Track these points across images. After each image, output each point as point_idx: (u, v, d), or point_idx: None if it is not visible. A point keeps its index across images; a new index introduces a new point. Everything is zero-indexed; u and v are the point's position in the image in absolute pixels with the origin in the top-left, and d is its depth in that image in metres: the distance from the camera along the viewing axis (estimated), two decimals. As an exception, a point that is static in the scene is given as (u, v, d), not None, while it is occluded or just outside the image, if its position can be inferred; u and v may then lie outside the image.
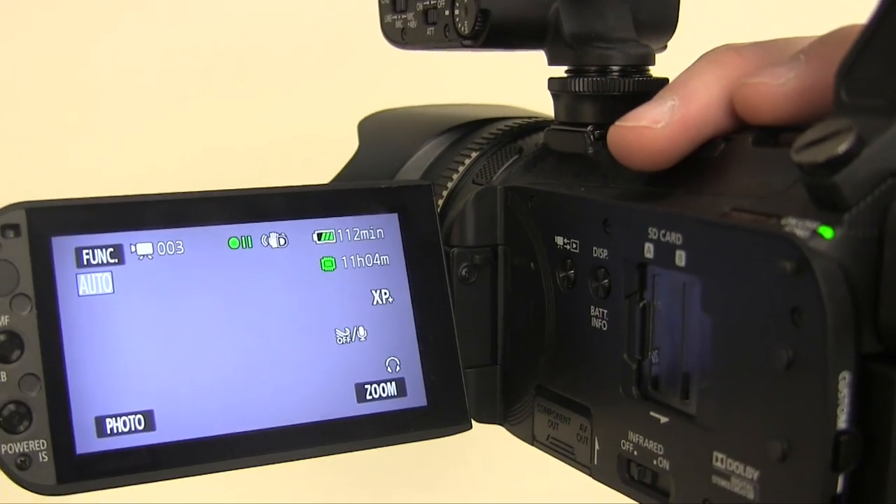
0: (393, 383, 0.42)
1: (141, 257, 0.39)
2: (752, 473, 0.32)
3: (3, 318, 0.37)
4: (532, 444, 0.43)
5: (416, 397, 0.42)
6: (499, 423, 0.45)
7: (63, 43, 0.71)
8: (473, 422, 0.43)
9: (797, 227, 0.31)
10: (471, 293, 0.44)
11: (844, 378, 0.30)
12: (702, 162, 0.37)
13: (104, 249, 0.39)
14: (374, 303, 0.42)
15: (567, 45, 0.42)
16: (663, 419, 0.36)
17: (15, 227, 0.38)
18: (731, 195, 0.35)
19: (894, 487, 0.30)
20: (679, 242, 0.35)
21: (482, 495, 0.87)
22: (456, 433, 0.42)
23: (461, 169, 0.46)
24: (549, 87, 0.43)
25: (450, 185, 0.46)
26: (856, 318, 0.30)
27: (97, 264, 0.39)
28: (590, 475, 0.40)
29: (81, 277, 0.38)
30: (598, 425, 0.39)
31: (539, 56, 0.44)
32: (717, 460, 0.34)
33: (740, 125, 0.37)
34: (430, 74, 0.69)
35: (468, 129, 0.48)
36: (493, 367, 0.44)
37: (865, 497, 0.30)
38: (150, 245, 0.39)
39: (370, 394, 0.41)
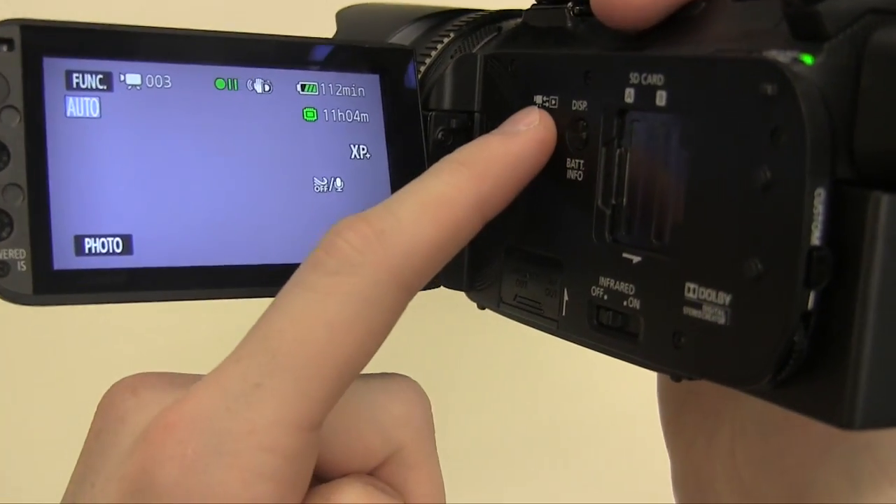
0: None
1: (129, 87, 0.40)
2: (725, 298, 0.34)
3: None
4: (497, 310, 0.44)
5: None
6: (464, 290, 0.46)
7: None
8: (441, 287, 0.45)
9: (779, 55, 0.33)
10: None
11: (820, 195, 0.31)
12: (683, 20, 0.38)
13: (94, 75, 0.39)
14: (352, 156, 0.43)
15: None
16: (636, 258, 0.37)
17: (8, 42, 0.38)
18: (713, 41, 0.36)
19: (862, 307, 0.31)
20: (661, 83, 0.36)
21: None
22: (426, 289, 0.43)
23: (439, 47, 0.47)
24: None
25: (428, 60, 0.47)
26: (832, 140, 0.31)
27: (86, 88, 0.39)
28: (555, 331, 0.41)
29: (70, 99, 0.39)
30: (568, 276, 0.40)
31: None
32: (688, 291, 0.35)
33: None
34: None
35: (444, 16, 0.49)
36: None
37: (834, 316, 0.32)
38: (138, 76, 0.40)
39: None
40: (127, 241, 0.39)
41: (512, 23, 0.47)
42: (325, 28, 0.51)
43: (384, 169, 0.43)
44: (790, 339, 0.32)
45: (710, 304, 0.34)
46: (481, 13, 0.48)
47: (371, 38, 0.49)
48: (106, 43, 0.40)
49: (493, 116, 0.44)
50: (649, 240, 0.37)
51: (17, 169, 0.37)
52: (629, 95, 0.37)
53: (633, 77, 0.37)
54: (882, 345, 0.31)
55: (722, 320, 0.34)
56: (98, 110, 0.39)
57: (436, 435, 0.38)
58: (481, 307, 0.46)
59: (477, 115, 0.45)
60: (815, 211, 0.31)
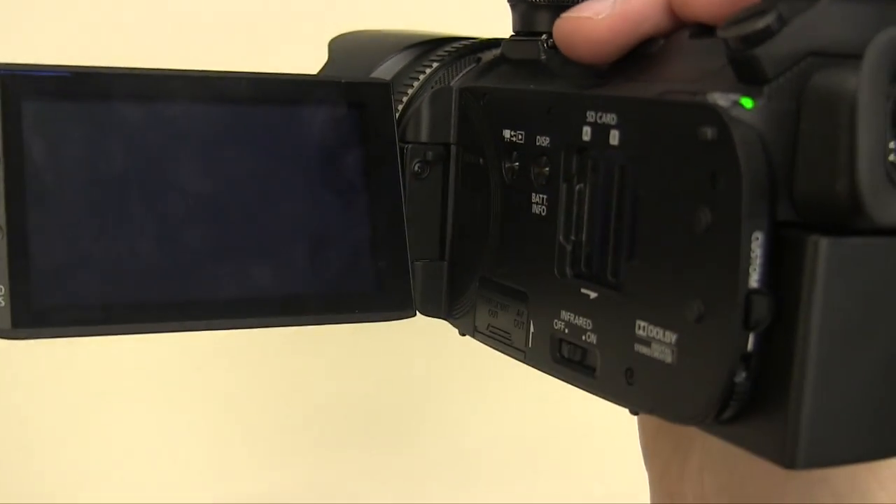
0: None
1: (108, 128, 0.41)
2: (671, 337, 0.34)
3: None
4: (473, 336, 0.45)
5: (364, 282, 0.44)
6: (443, 318, 0.47)
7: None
8: (419, 314, 0.45)
9: (720, 99, 0.33)
10: (422, 188, 0.46)
11: (757, 238, 0.32)
12: (642, 57, 0.39)
13: (73, 117, 0.41)
14: (331, 190, 0.44)
15: None
16: (593, 294, 0.38)
17: None
18: (665, 80, 0.37)
19: (802, 349, 0.31)
20: (614, 122, 0.37)
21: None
22: (400, 318, 0.44)
23: (421, 78, 0.48)
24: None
25: (410, 91, 0.48)
26: (771, 184, 0.32)
27: (65, 130, 0.40)
28: (523, 360, 0.42)
29: (49, 141, 0.40)
30: (533, 309, 0.41)
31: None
32: (639, 328, 0.36)
33: (680, 26, 0.39)
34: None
35: (431, 45, 0.50)
36: (440, 261, 0.46)
37: (776, 356, 0.32)
38: (118, 116, 0.41)
39: None
40: (106, 274, 0.40)
41: (491, 53, 0.48)
42: (317, 56, 0.53)
43: (363, 201, 0.44)
44: (731, 379, 0.32)
45: (658, 342, 0.35)
46: (465, 43, 0.49)
47: (360, 67, 0.50)
48: (84, 85, 0.41)
49: (468, 148, 0.45)
50: (605, 276, 0.38)
51: None
52: (586, 133, 0.38)
53: (590, 115, 0.38)
54: (822, 386, 0.32)
55: (669, 359, 0.34)
56: (77, 151, 0.40)
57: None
58: (462, 334, 0.46)
59: (453, 147, 0.45)
60: (752, 254, 0.32)
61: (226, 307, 0.42)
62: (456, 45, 0.49)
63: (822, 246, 0.31)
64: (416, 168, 0.45)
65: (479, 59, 0.48)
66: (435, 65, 0.48)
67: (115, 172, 0.41)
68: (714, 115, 0.32)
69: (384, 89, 0.45)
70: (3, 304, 0.39)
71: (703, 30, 0.37)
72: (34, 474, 0.79)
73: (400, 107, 0.47)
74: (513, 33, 0.45)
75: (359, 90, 0.45)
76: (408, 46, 0.50)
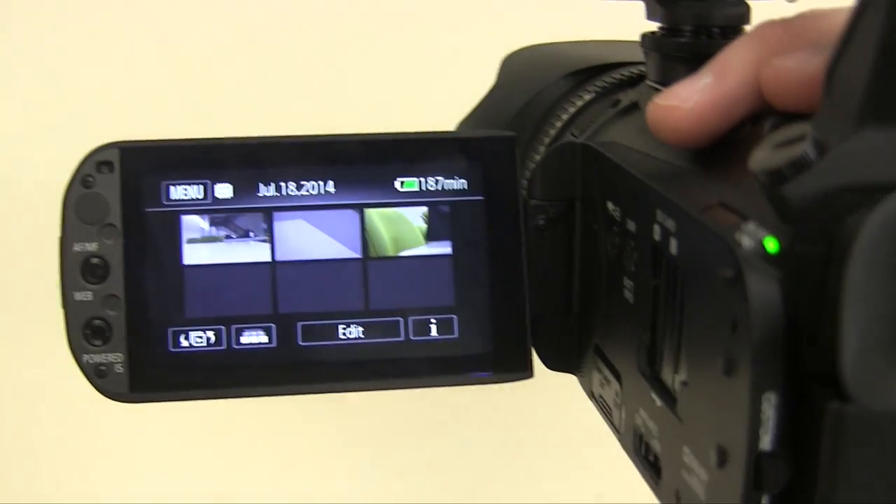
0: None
1: (222, 196, 0.43)
2: (703, 475, 0.32)
3: (92, 244, 0.42)
4: (591, 399, 0.44)
5: (481, 342, 0.43)
6: (572, 372, 0.46)
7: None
8: (548, 369, 0.45)
9: (749, 233, 0.30)
10: (545, 244, 0.44)
11: (769, 400, 0.29)
12: (729, 143, 0.36)
13: (190, 187, 0.42)
14: (453, 246, 0.44)
15: (657, 1, 0.41)
16: (658, 402, 0.36)
17: (109, 164, 0.42)
18: (730, 182, 0.34)
19: None
20: (673, 230, 0.34)
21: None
22: (516, 380, 0.44)
23: (565, 117, 0.46)
24: (641, 45, 0.42)
25: (552, 132, 0.46)
26: (791, 339, 0.29)
27: (184, 201, 0.42)
28: (619, 441, 0.41)
29: (167, 212, 0.42)
30: (625, 394, 0.40)
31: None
32: (685, 454, 0.34)
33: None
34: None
35: (588, 74, 0.48)
36: (567, 316, 0.45)
37: None
38: (230, 187, 0.43)
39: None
40: (219, 335, 0.42)
41: (628, 97, 0.45)
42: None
43: (483, 259, 0.44)
44: None
45: (695, 475, 0.33)
46: (613, 78, 0.47)
47: (522, 91, 0.49)
48: (199, 157, 0.42)
49: (587, 207, 0.43)
50: (666, 387, 0.36)
51: (115, 281, 0.42)
52: (657, 232, 0.36)
53: (659, 215, 0.35)
54: None
55: (702, 497, 0.32)
56: (195, 221, 0.42)
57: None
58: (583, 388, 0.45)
59: (577, 202, 0.43)
60: (762, 416, 0.29)
61: (338, 370, 0.43)
62: (609, 78, 0.47)
63: (845, 414, 0.28)
64: (539, 223, 0.44)
65: (617, 102, 0.45)
66: (579, 102, 0.46)
67: (231, 236, 0.42)
68: (733, 256, 0.29)
69: (509, 143, 0.44)
70: (121, 370, 0.42)
71: (785, 119, 0.34)
72: (34, 474, 0.83)
73: (542, 148, 0.46)
74: (650, 79, 0.43)
75: (482, 145, 0.44)
76: (567, 74, 0.48)
